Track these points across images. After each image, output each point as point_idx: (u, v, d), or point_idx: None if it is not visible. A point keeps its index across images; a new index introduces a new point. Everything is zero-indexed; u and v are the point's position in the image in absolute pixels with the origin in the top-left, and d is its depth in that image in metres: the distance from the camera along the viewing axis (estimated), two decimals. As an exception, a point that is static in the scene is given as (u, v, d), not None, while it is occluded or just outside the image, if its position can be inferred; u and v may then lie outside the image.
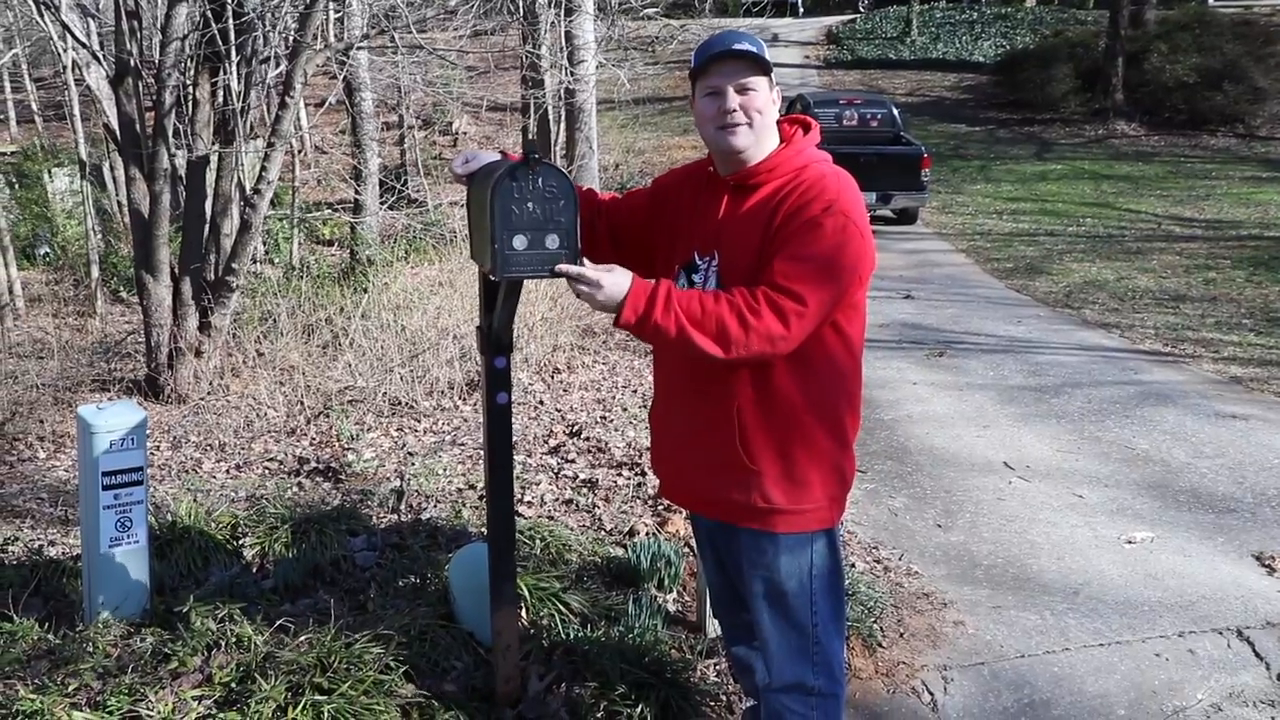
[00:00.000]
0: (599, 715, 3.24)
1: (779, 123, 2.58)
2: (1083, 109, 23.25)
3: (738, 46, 2.46)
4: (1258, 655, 3.89)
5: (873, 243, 2.47)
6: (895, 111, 16.16)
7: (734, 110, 2.46)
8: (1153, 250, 13.22)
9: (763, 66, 2.47)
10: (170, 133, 7.97)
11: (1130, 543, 4.88)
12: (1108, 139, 21.90)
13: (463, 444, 6.17)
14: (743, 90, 2.47)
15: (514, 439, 6.15)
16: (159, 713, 2.90)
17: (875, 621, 3.97)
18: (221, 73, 8.52)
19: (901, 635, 3.99)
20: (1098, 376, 7.73)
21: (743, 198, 2.53)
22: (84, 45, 8.32)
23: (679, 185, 2.75)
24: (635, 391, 7.33)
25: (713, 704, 3.41)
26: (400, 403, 7.23)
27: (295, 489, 5.62)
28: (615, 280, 2.35)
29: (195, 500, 5.27)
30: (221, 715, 2.92)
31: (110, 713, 2.92)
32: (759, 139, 2.50)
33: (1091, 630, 4.06)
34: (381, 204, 13.80)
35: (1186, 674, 3.78)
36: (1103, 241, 13.80)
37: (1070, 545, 4.84)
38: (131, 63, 7.88)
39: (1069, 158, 20.33)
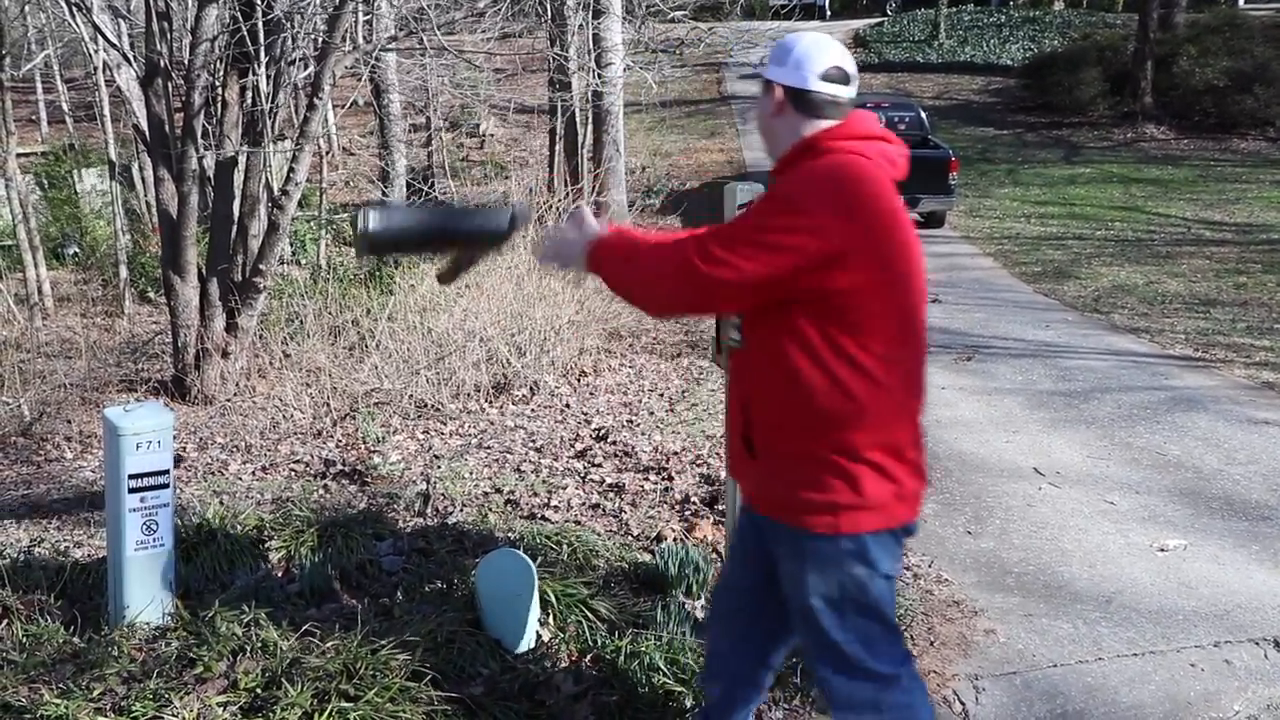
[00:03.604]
0: (626, 723, 3.22)
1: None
2: (1111, 112, 23.06)
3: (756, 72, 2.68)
4: (1296, 667, 3.83)
5: (834, 234, 2.30)
6: (923, 114, 16.07)
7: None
8: (1182, 254, 13.08)
9: (764, 81, 2.56)
10: (199, 133, 8.00)
11: (1163, 550, 4.81)
12: (1136, 142, 21.71)
13: (489, 447, 6.15)
14: (757, 101, 2.65)
15: (539, 442, 6.16)
16: (183, 719, 2.88)
17: (906, 630, 3.92)
18: (250, 74, 8.54)
19: (932, 644, 3.94)
20: (1127, 382, 7.64)
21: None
22: (115, 46, 8.36)
23: None
24: (662, 395, 7.30)
25: (741, 713, 3.36)
26: (426, 405, 7.23)
27: (321, 491, 5.62)
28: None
29: (221, 503, 5.28)
30: (247, 721, 2.91)
31: (135, 718, 2.91)
32: (765, 142, 2.63)
33: (1125, 640, 4.00)
34: (409, 205, 13.81)
35: (1223, 685, 3.71)
36: (1132, 246, 13.67)
37: (1102, 552, 4.77)
38: (161, 64, 7.92)
39: (1097, 161, 20.16)
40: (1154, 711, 3.56)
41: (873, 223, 2.34)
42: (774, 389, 2.43)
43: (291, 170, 8.28)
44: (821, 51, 2.52)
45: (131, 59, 8.42)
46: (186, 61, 7.98)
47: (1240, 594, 4.35)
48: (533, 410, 7.01)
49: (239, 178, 8.73)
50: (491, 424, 6.72)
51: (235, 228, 8.67)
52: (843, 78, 2.51)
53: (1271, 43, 22.39)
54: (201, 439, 7.19)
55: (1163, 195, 17.05)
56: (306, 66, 9.11)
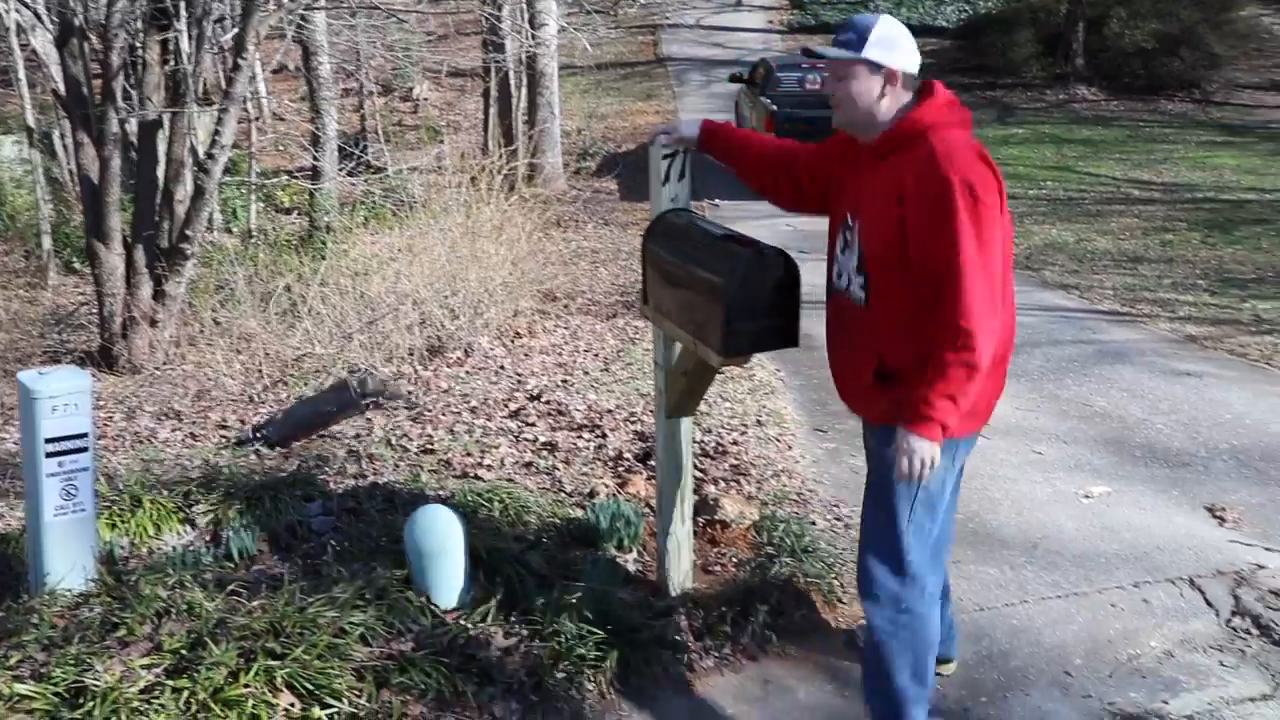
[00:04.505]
0: (559, 675, 3.22)
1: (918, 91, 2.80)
2: (1044, 74, 23.23)
3: (829, 49, 2.82)
4: (1208, 603, 3.93)
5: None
6: (858, 75, 16.09)
7: (832, 94, 2.82)
8: (1111, 213, 13.28)
9: (856, 59, 2.73)
10: (119, 95, 7.80)
11: (1088, 497, 4.91)
12: (1069, 104, 21.93)
13: (422, 408, 6.10)
14: (840, 78, 2.78)
15: (473, 403, 6.13)
16: (106, 682, 2.84)
17: (835, 577, 3.96)
18: (171, 33, 8.33)
19: (862, 591, 3.99)
20: (1057, 336, 7.77)
21: (877, 167, 2.78)
22: (26, 5, 8.11)
23: (843, 150, 3.00)
24: (597, 355, 7.29)
25: (673, 662, 3.39)
26: (360, 369, 7.15)
27: (252, 456, 5.54)
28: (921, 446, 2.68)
29: (149, 470, 5.19)
30: (171, 683, 2.87)
31: (55, 684, 2.86)
32: (852, 118, 2.81)
33: (1049, 583, 4.09)
34: (340, 170, 13.61)
35: (1141, 623, 3.81)
36: (1063, 204, 13.85)
37: (1029, 500, 4.86)
38: (76, 23, 7.70)
39: (1030, 122, 20.34)
40: (1076, 650, 3.65)
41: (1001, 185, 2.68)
42: (911, 337, 2.72)
43: (217, 133, 8.10)
44: (909, 35, 2.80)
45: (45, 19, 8.17)
46: (103, 21, 7.75)
47: (1160, 537, 4.46)
48: (467, 372, 6.97)
49: (163, 142, 8.52)
50: (425, 386, 6.66)
51: (160, 193, 8.47)
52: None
53: (1197, 6, 22.68)
54: (130, 408, 7.05)
55: (1093, 155, 17.27)
56: (232, 27, 8.90)
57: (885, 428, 2.83)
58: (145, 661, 2.97)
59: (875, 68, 2.72)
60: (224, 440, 6.05)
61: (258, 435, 5.64)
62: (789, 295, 2.91)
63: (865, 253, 2.77)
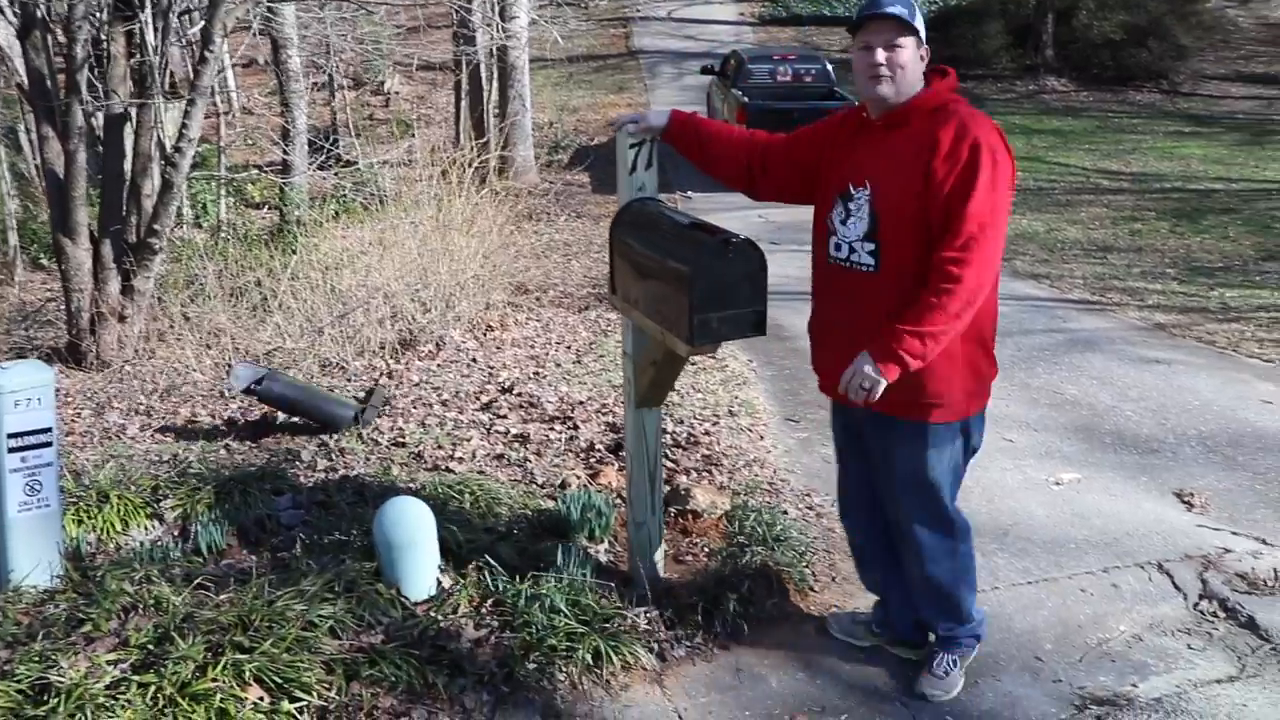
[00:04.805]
0: (530, 666, 3.21)
1: (926, 73, 2.94)
2: (1014, 65, 23.35)
3: (889, 10, 2.84)
4: (1176, 587, 3.97)
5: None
6: (829, 67, 16.14)
7: (881, 64, 2.85)
8: (1081, 203, 13.37)
9: (909, 27, 2.84)
10: (84, 88, 7.70)
11: (1058, 484, 4.94)
12: (1038, 94, 22.06)
13: (393, 402, 6.07)
14: (890, 47, 2.85)
15: (444, 396, 6.10)
16: (71, 679, 2.81)
17: (808, 566, 3.97)
18: (136, 25, 8.23)
19: (834, 579, 4.00)
20: (1028, 325, 7.81)
21: (891, 135, 2.92)
22: (-12, -2, 8.00)
23: (835, 130, 3.14)
24: (569, 348, 7.27)
25: (644, 651, 3.38)
26: (331, 364, 7.11)
27: (222, 451, 5.50)
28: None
29: (119, 465, 5.14)
30: (138, 678, 2.85)
31: (19, 681, 2.82)
32: (899, 89, 2.88)
33: (1020, 569, 4.11)
34: (311, 164, 13.52)
35: (1110, 607, 3.84)
36: (1033, 195, 13.92)
37: (1000, 488, 4.89)
38: (39, 14, 7.59)
39: (1001, 113, 20.42)
40: (1046, 635, 3.67)
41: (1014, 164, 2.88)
42: None
43: (184, 126, 8.01)
44: None
45: (7, 11, 8.06)
46: (66, 12, 7.65)
47: (1129, 522, 4.49)
48: (438, 365, 6.93)
49: (130, 135, 8.42)
50: (397, 380, 6.63)
51: (128, 187, 8.38)
52: None
53: (1164, -2, 22.88)
54: (98, 404, 6.98)
55: (1063, 145, 17.38)
56: (200, 19, 8.81)
57: (892, 419, 3.03)
58: (111, 657, 2.94)
59: (920, 42, 2.90)
60: (194, 434, 6.00)
61: (257, 385, 5.48)
62: (756, 283, 2.90)
63: (880, 216, 2.89)
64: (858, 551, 3.58)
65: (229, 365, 6.17)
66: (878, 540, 3.41)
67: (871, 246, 2.92)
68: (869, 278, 2.94)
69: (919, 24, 2.88)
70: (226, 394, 5.76)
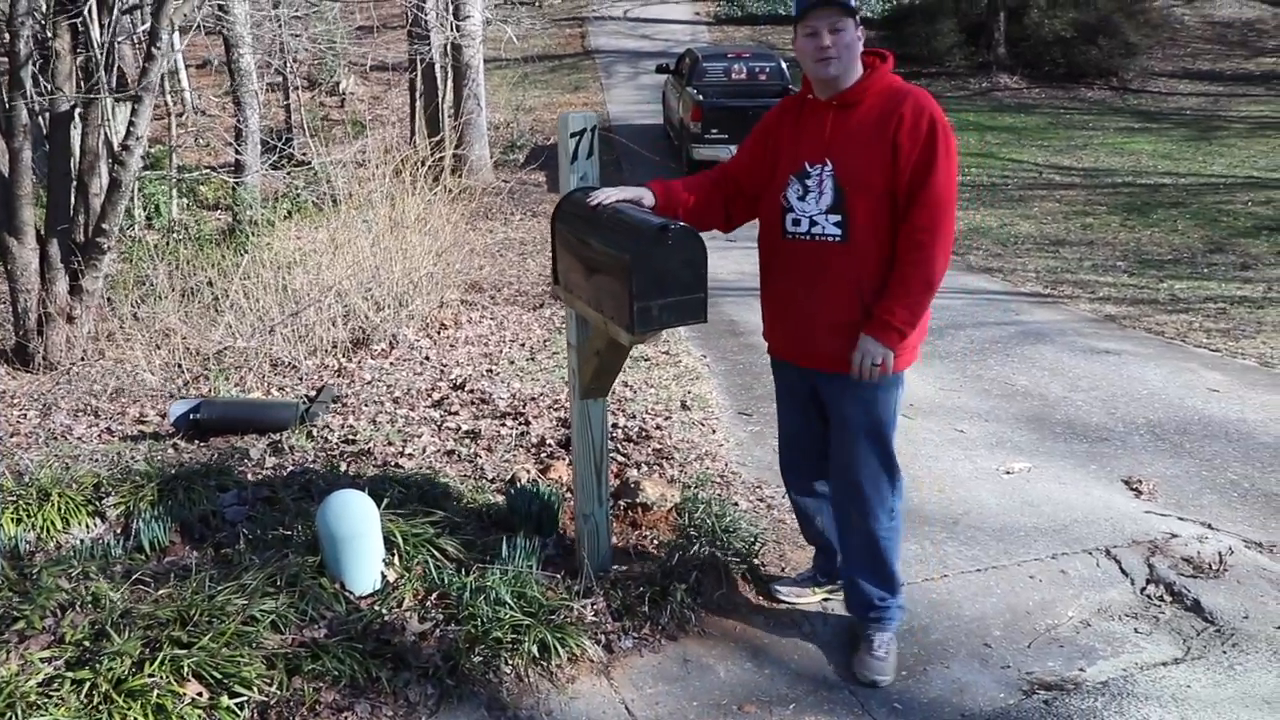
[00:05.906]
0: (475, 659, 3.19)
1: (861, 55, 3.12)
2: (967, 62, 23.54)
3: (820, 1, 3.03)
4: (1123, 572, 4.00)
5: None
6: (784, 65, 16.18)
7: (828, 46, 3.02)
8: (1034, 198, 13.50)
9: (849, 9, 3.03)
10: (29, 84, 7.57)
11: (1009, 473, 4.97)
12: (991, 91, 22.24)
13: (344, 400, 6.02)
14: (834, 30, 3.02)
15: (396, 394, 6.05)
16: (2, 677, 2.75)
17: (755, 556, 3.97)
18: (79, 20, 8.10)
19: (784, 570, 4.00)
20: (980, 318, 7.87)
21: (846, 114, 3.10)
22: (-72, -6, 7.85)
23: (779, 118, 3.30)
24: (523, 345, 7.24)
25: (591, 643, 3.36)
26: (283, 363, 7.04)
27: (170, 450, 5.42)
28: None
29: (63, 464, 5.05)
30: (72, 674, 2.79)
31: (-50, 678, 2.77)
32: (845, 67, 3.07)
33: (969, 557, 4.13)
34: (264, 164, 13.38)
35: (1058, 593, 3.86)
36: (987, 190, 14.04)
37: (951, 477, 4.91)
38: (-20, 11, 7.47)
39: (954, 110, 20.58)
40: (995, 621, 3.69)
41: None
42: (888, 267, 3.06)
43: (132, 124, 7.90)
44: None
45: (-52, 7, 7.92)
46: (8, 8, 7.53)
47: (1078, 509, 4.53)
48: (391, 363, 6.88)
49: (76, 133, 8.29)
50: (349, 378, 6.57)
51: (75, 186, 8.26)
52: None
53: (1113, -4, 23.14)
54: (45, 405, 6.87)
55: (1016, 142, 17.53)
56: (148, 17, 8.69)
57: (840, 376, 3.21)
58: (46, 654, 2.89)
59: (857, 24, 3.07)
60: (141, 434, 5.92)
61: (194, 414, 5.49)
62: (697, 270, 2.89)
63: (844, 188, 3.06)
64: (800, 505, 3.71)
65: (169, 395, 6.16)
66: (820, 495, 3.62)
67: (838, 218, 3.08)
68: (836, 247, 3.10)
69: (855, 3, 3.07)
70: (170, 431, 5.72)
